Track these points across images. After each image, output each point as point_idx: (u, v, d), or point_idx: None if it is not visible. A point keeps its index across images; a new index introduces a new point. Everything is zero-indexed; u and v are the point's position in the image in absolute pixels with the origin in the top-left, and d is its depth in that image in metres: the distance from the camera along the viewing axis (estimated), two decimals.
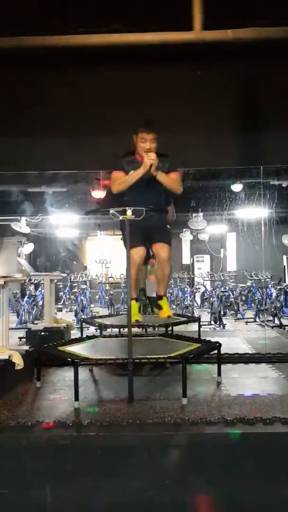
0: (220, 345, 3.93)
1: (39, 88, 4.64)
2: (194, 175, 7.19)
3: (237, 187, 7.76)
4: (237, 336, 6.51)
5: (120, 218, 3.47)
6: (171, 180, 4.01)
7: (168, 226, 4.28)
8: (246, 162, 5.08)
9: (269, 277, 9.21)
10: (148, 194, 3.93)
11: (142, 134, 3.89)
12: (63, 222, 10.21)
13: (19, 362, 3.74)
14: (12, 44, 3.97)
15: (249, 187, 7.40)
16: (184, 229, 11.40)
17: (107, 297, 10.03)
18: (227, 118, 4.73)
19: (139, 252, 3.96)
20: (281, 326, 7.54)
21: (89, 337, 4.52)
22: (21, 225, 9.30)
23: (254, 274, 9.50)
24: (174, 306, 10.11)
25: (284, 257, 10.87)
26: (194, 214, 10.05)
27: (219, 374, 3.92)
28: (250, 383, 3.88)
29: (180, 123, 4.64)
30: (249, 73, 4.64)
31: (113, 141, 4.53)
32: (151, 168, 3.87)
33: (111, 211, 3.54)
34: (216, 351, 3.91)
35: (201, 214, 10.01)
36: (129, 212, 3.45)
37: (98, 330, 5.27)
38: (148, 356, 3.51)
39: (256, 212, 8.32)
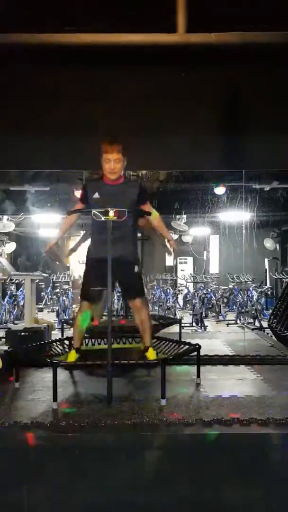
0: (199, 347, 3.95)
1: (23, 86, 4.60)
2: (177, 177, 7.21)
3: (220, 190, 7.80)
4: (217, 338, 6.56)
5: (103, 218, 3.47)
6: (159, 223, 3.94)
7: (136, 270, 3.89)
8: (229, 165, 5.11)
9: (251, 279, 9.29)
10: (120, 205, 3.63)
11: (106, 155, 3.62)
12: (45, 222, 10.13)
13: None
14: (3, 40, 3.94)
15: (232, 190, 7.45)
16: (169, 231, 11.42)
17: None
18: (210, 121, 4.76)
19: (87, 309, 3.84)
20: (261, 328, 7.62)
21: (69, 338, 4.49)
22: (4, 224, 9.19)
23: (236, 276, 9.57)
24: (156, 308, 10.13)
25: (266, 260, 10.98)
26: (177, 216, 10.08)
27: (198, 375, 3.94)
28: (228, 384, 3.91)
29: (164, 125, 4.65)
30: (233, 77, 4.67)
31: (96, 141, 4.51)
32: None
33: (94, 211, 3.54)
34: (195, 353, 3.94)
35: (184, 216, 10.04)
36: (111, 213, 3.45)
37: None
38: (126, 360, 3.53)
39: (238, 215, 8.39)
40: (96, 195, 3.70)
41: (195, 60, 4.26)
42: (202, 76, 4.52)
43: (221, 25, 3.88)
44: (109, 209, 3.45)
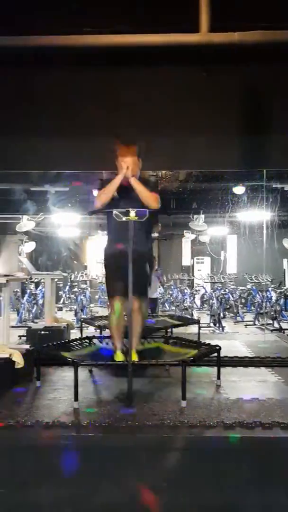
0: (220, 348, 3.93)
1: (45, 88, 4.63)
2: (197, 177, 7.18)
3: (239, 189, 7.76)
4: (236, 339, 6.51)
5: (124, 219, 3.47)
6: (147, 193, 3.67)
7: (148, 269, 3.83)
8: (250, 165, 5.07)
9: (269, 280, 9.20)
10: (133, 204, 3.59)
11: (121, 158, 3.66)
12: (64, 222, 10.20)
13: (19, 361, 3.74)
14: (18, 43, 3.98)
15: (252, 190, 7.39)
16: (185, 231, 11.40)
17: (103, 297, 10.03)
18: (231, 120, 4.71)
19: (117, 304, 3.68)
20: (280, 329, 7.54)
21: (89, 338, 4.52)
22: (25, 224, 9.29)
23: (254, 277, 9.49)
24: (173, 308, 10.11)
25: (285, 260, 10.87)
26: (195, 216, 10.05)
27: (218, 377, 3.92)
28: (249, 386, 3.88)
29: (184, 125, 4.63)
30: (254, 76, 4.62)
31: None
32: (127, 171, 3.64)
33: (115, 211, 3.54)
34: (215, 354, 3.91)
35: (202, 216, 10.00)
36: (132, 213, 3.45)
37: (98, 330, 5.29)
38: (147, 360, 3.52)
39: (258, 215, 8.31)
40: (115, 194, 3.70)
41: (216, 59, 4.22)
42: (224, 75, 4.48)
43: (244, 24, 3.84)
44: (130, 209, 3.45)
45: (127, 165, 3.65)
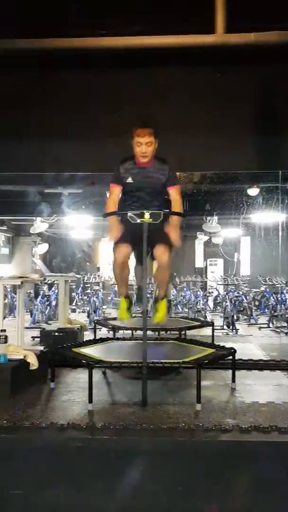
0: (235, 351, 3.89)
1: (60, 90, 4.65)
2: (211, 179, 7.14)
3: (253, 191, 7.70)
4: (250, 341, 6.46)
5: (138, 221, 3.46)
6: (176, 208, 3.75)
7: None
8: (265, 166, 5.03)
9: (284, 282, 9.11)
10: (151, 205, 3.68)
11: (137, 138, 3.60)
12: (77, 223, 10.24)
13: (33, 362, 3.75)
14: (34, 45, 4.00)
15: (267, 191, 7.33)
16: (198, 232, 11.36)
17: (115, 299, 10.03)
18: (246, 121, 4.69)
19: (122, 249, 3.63)
20: None
21: (102, 339, 4.52)
22: (38, 226, 9.35)
23: (268, 279, 9.41)
24: (186, 310, 10.07)
25: None
26: (208, 218, 10.00)
27: (233, 380, 3.88)
28: (265, 390, 3.84)
29: (198, 126, 4.62)
30: (270, 77, 4.59)
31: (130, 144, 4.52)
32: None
33: (129, 213, 3.54)
34: (230, 357, 3.88)
35: (215, 217, 9.95)
36: (147, 215, 3.44)
37: (111, 332, 5.29)
38: (162, 361, 3.50)
39: (272, 216, 8.24)
40: (130, 180, 3.73)
41: (233, 60, 4.20)
42: (240, 76, 4.46)
43: (260, 24, 3.81)
44: (145, 211, 3.45)
45: (143, 144, 3.60)
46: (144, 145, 3.61)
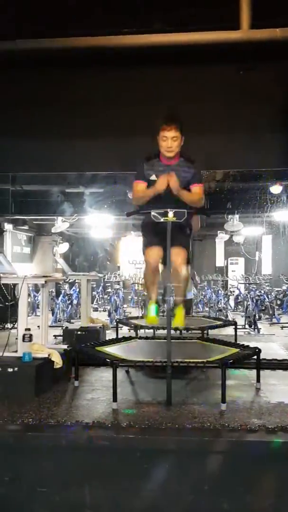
0: (259, 350, 3.85)
1: (82, 90, 4.66)
2: (234, 177, 7.08)
3: (276, 189, 7.60)
4: (273, 341, 6.38)
5: (162, 220, 3.45)
6: (191, 195, 3.66)
7: (188, 231, 3.88)
8: None
9: None
10: (173, 202, 3.59)
11: (163, 132, 3.58)
12: (98, 223, 10.28)
13: (58, 361, 3.77)
14: (57, 44, 4.01)
15: None
16: (219, 231, 11.30)
17: (135, 297, 10.05)
18: (270, 118, 4.63)
19: (154, 253, 3.67)
20: None
21: (125, 338, 4.52)
22: (59, 225, 9.43)
23: None
24: (207, 309, 10.02)
25: None
26: (229, 216, 9.93)
27: (258, 380, 3.84)
28: None
29: (222, 124, 4.58)
30: None
31: (153, 142, 4.50)
32: (171, 184, 3.54)
33: (153, 212, 3.52)
34: (254, 357, 3.83)
35: (237, 216, 9.88)
36: (170, 214, 3.42)
37: (133, 331, 5.29)
38: (186, 360, 3.48)
39: None
40: (154, 177, 3.67)
41: (257, 56, 4.14)
42: (263, 72, 4.39)
43: (283, 20, 3.75)
44: (169, 210, 3.43)
45: (169, 139, 3.58)
46: (169, 140, 3.59)
